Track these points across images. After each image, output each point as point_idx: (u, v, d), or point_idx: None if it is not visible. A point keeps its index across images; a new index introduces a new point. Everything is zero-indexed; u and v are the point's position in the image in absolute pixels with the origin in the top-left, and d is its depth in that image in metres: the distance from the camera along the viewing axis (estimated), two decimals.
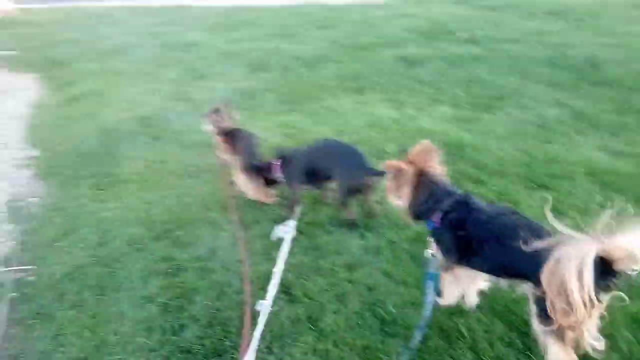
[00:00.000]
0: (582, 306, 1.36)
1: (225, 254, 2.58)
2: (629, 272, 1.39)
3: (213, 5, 9.39)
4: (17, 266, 2.85)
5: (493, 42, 5.39)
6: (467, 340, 1.87)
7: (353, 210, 2.74)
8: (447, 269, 1.92)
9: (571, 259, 1.36)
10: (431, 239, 1.96)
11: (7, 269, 2.85)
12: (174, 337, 2.06)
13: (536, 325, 1.62)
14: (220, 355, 1.96)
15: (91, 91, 5.46)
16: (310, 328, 2.03)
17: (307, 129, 3.93)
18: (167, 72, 5.81)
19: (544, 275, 1.43)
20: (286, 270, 2.38)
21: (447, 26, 5.93)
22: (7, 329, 2.39)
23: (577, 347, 1.58)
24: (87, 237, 2.92)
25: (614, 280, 1.43)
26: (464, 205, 1.82)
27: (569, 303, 1.37)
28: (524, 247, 1.48)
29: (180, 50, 6.57)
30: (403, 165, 1.92)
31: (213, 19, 8.11)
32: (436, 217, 1.86)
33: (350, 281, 2.29)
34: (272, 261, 2.43)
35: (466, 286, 1.96)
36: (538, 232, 1.56)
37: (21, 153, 4.37)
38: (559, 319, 1.44)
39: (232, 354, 1.95)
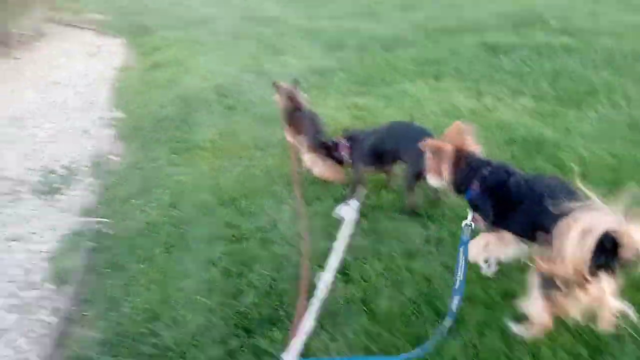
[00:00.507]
0: (571, 260, 1.41)
1: (286, 227, 2.63)
2: (627, 260, 1.44)
3: None
4: (96, 218, 3.08)
5: (588, 34, 4.99)
6: (527, 345, 1.78)
7: (416, 198, 2.68)
8: (486, 230, 1.99)
9: (586, 221, 1.41)
10: (470, 208, 2.04)
11: (87, 219, 3.09)
12: (232, 301, 2.14)
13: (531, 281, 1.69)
14: (274, 324, 2.01)
15: (173, 59, 5.69)
16: (364, 310, 2.03)
17: (379, 112, 3.87)
18: (245, 44, 5.93)
19: (558, 227, 1.46)
20: (345, 250, 2.38)
21: (538, 13, 5.54)
22: (83, 275, 2.59)
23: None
24: (160, 197, 3.08)
25: (612, 261, 1.46)
26: (501, 170, 1.93)
27: (562, 254, 1.43)
28: (555, 207, 1.53)
29: (260, 24, 6.66)
30: (442, 144, 2.01)
31: None
32: (475, 185, 1.95)
33: (408, 269, 2.24)
34: (332, 239, 2.43)
35: (497, 251, 2.00)
36: (573, 195, 1.60)
37: (106, 113, 4.68)
38: (546, 264, 1.54)
39: (286, 324, 1.99)
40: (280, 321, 2.02)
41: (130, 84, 5.24)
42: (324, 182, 3.03)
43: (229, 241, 2.59)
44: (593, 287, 1.50)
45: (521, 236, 1.86)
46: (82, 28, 7.68)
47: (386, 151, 2.72)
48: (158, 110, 4.35)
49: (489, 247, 2.00)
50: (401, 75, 4.59)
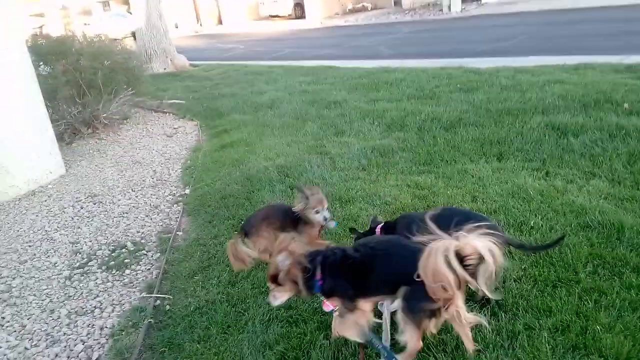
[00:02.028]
0: (453, 284, 1.78)
1: None
2: (473, 264, 1.83)
3: (358, 67, 9.89)
4: (157, 294, 3.14)
5: None
6: None
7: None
8: (351, 308, 2.11)
9: (439, 251, 1.77)
10: (325, 300, 2.23)
11: (148, 295, 3.15)
12: None
13: (400, 317, 2.00)
14: None
15: (241, 140, 6.01)
16: None
17: (440, 191, 3.80)
18: (309, 126, 6.17)
19: (421, 266, 1.82)
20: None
21: (607, 95, 5.38)
22: (140, 354, 2.60)
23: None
24: (220, 274, 3.11)
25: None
26: (335, 249, 2.19)
27: (443, 283, 1.78)
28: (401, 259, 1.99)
29: (323, 107, 6.96)
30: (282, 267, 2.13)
31: (356, 80, 8.50)
32: (318, 274, 2.11)
33: None
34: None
35: (365, 320, 2.14)
36: (412, 246, 1.98)
37: (176, 190, 4.93)
38: (438, 296, 1.83)
39: None
40: None
41: (200, 162, 5.54)
42: None
43: (286, 323, 2.52)
44: (457, 301, 1.89)
45: (384, 294, 2.15)
46: (163, 112, 8.41)
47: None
48: (223, 188, 4.53)
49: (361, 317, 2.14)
50: (462, 155, 4.53)
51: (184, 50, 15.00)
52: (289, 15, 28.55)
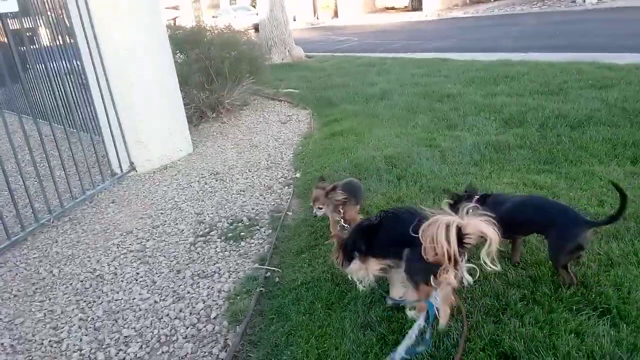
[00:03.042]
0: (445, 250, 1.96)
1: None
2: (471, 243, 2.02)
3: (475, 60, 9.47)
4: (268, 266, 3.37)
5: None
6: None
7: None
8: (363, 261, 2.50)
9: (442, 222, 1.96)
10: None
11: (260, 266, 3.39)
12: None
13: (403, 276, 2.32)
14: None
15: (350, 129, 6.12)
16: None
17: (562, 192, 3.54)
18: (419, 118, 6.09)
19: (422, 229, 2.02)
20: (513, 339, 2.16)
21: None
22: (251, 317, 2.82)
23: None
24: (326, 254, 3.24)
25: (464, 248, 2.04)
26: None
27: (436, 246, 1.98)
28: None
29: (436, 100, 6.81)
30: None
31: (473, 73, 8.17)
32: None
33: None
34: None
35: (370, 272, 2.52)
36: (420, 213, 2.27)
37: (287, 173, 5.20)
38: (429, 256, 2.03)
39: None
40: None
41: (310, 149, 5.77)
42: None
43: (388, 307, 2.57)
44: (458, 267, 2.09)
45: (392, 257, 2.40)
46: (279, 100, 8.85)
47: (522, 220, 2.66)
48: (332, 174, 4.67)
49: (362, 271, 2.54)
50: (590, 156, 4.17)
51: (301, 42, 15.54)
52: (405, 7, 28.12)
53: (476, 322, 2.35)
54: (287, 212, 4.20)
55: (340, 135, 6.01)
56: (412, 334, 2.13)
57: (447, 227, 1.95)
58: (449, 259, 1.99)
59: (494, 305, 2.46)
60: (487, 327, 2.29)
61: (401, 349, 2.08)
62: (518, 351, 2.11)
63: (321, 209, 3.26)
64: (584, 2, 18.04)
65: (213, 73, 7.52)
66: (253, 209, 4.40)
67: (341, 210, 3.24)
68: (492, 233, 1.97)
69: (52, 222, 4.58)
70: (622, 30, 11.33)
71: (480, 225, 1.98)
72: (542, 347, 2.11)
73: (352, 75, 9.91)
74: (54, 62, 6.61)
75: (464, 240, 2.01)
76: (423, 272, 2.15)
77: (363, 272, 2.53)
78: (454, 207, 2.61)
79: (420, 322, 2.17)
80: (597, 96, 5.74)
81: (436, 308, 2.19)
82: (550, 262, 2.63)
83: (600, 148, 4.28)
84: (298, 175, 5.04)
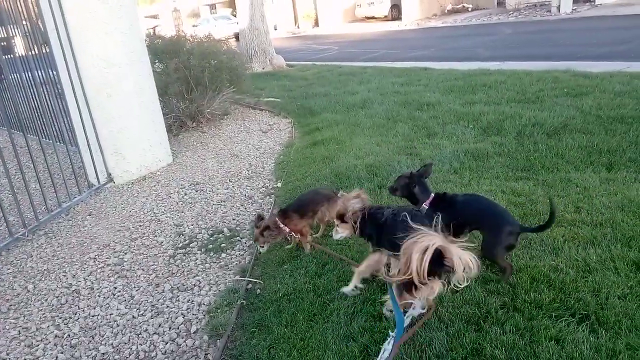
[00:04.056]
0: (415, 268, 2.03)
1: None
2: (449, 268, 2.09)
3: (453, 68, 9.61)
4: (249, 278, 3.33)
5: None
6: None
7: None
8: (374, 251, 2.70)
9: (423, 240, 2.05)
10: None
11: (241, 278, 3.35)
12: None
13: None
14: None
15: (332, 138, 6.13)
16: None
17: (539, 199, 3.60)
18: (400, 127, 6.13)
19: (404, 245, 2.11)
20: (494, 347, 2.17)
21: None
22: (232, 331, 2.78)
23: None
24: (308, 265, 3.22)
25: (442, 269, 2.11)
26: (378, 211, 2.67)
27: (407, 265, 2.08)
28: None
29: (416, 109, 6.87)
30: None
31: (452, 81, 8.28)
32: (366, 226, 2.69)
33: None
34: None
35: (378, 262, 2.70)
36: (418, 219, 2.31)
37: (269, 183, 5.17)
38: (397, 272, 2.20)
39: None
40: None
41: (291, 158, 5.75)
42: None
43: (370, 317, 2.56)
44: (430, 284, 2.15)
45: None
46: (260, 109, 8.83)
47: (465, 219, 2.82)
48: (313, 184, 4.66)
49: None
50: (566, 162, 4.25)
51: (282, 50, 15.57)
52: (385, 16, 28.45)
53: (457, 330, 2.35)
54: None
55: (321, 144, 6.01)
56: (387, 347, 2.13)
57: (425, 250, 2.02)
58: (418, 276, 2.05)
59: (475, 313, 2.47)
60: (469, 335, 2.30)
61: None
62: (499, 359, 2.12)
63: (263, 246, 3.46)
64: (559, 11, 18.51)
65: (193, 82, 7.46)
66: (234, 219, 4.35)
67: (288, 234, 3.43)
68: (474, 264, 2.07)
69: (27, 236, 4.46)
70: (596, 38, 11.64)
71: (463, 255, 2.07)
72: (523, 355, 2.12)
73: (333, 84, 9.95)
74: (28, 72, 6.49)
75: (444, 262, 2.08)
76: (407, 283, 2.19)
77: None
78: (410, 185, 2.97)
79: (392, 334, 2.19)
80: (572, 104, 5.86)
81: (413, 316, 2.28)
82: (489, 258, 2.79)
83: (576, 155, 4.37)
84: (279, 184, 5.02)
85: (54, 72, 5.42)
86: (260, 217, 3.53)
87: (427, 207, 2.92)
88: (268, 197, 4.78)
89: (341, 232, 2.82)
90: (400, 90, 8.30)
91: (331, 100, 8.36)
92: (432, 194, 2.97)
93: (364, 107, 7.56)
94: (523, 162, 4.38)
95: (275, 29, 31.05)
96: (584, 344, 2.14)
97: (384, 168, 4.72)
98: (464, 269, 2.06)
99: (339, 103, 8.08)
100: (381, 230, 2.59)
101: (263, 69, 13.46)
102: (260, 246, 3.47)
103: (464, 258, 2.06)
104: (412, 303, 2.35)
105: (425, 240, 2.05)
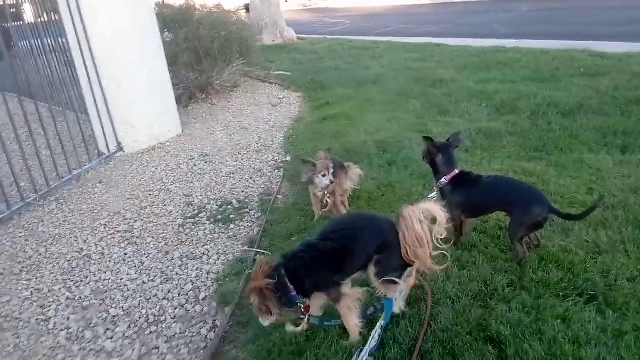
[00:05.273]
0: (426, 242, 2.08)
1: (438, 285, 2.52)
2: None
3: (468, 45, 9.43)
4: (257, 248, 3.35)
5: None
6: None
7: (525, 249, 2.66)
8: (337, 296, 2.20)
9: (414, 214, 2.08)
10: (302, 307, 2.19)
11: (249, 249, 3.38)
12: (374, 352, 2.11)
13: (374, 281, 2.20)
14: None
15: (342, 113, 6.08)
16: None
17: (551, 179, 3.56)
18: (411, 103, 6.06)
19: (400, 228, 2.10)
20: (500, 323, 2.18)
21: None
22: (240, 299, 2.81)
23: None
24: None
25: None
26: (297, 253, 2.19)
27: (420, 243, 2.08)
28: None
29: (428, 85, 6.78)
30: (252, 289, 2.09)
31: (466, 58, 8.14)
32: (290, 289, 2.12)
33: (575, 358, 1.96)
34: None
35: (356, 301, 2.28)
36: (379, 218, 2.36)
37: (277, 156, 5.15)
38: (411, 256, 2.11)
39: None
40: None
41: (301, 132, 5.72)
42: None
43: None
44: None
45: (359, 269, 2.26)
46: (269, 82, 8.75)
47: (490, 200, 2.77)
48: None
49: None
50: (580, 143, 4.19)
51: (292, 23, 15.33)
52: None
53: (463, 306, 2.36)
54: (277, 195, 4.18)
55: (331, 118, 5.96)
56: (375, 334, 2.10)
57: (418, 217, 2.08)
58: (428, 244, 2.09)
59: (481, 290, 2.48)
60: (474, 311, 2.31)
61: (364, 352, 2.00)
62: (504, 335, 2.13)
63: (325, 175, 3.28)
64: None
65: (202, 53, 7.38)
66: (242, 191, 4.36)
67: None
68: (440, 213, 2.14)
69: (38, 201, 4.51)
70: (614, 17, 11.33)
71: (431, 206, 2.14)
72: (528, 332, 2.13)
73: (344, 59, 9.82)
74: (38, 39, 6.45)
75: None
76: (399, 269, 2.18)
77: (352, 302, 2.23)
78: (432, 152, 2.85)
79: (382, 321, 2.16)
80: (588, 84, 5.75)
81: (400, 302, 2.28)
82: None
83: (590, 136, 4.31)
84: (288, 158, 5.01)
85: (63, 40, 5.37)
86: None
87: (446, 182, 2.83)
88: (277, 170, 4.78)
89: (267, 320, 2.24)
90: (413, 66, 8.18)
91: (342, 75, 8.26)
92: (456, 170, 2.85)
93: (375, 82, 7.47)
94: (536, 142, 4.33)
95: (286, 1, 30.51)
96: (590, 323, 2.15)
97: (394, 144, 4.68)
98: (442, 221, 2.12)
99: (350, 78, 7.99)
100: None
101: (273, 41, 13.28)
102: (323, 175, 3.28)
103: (434, 210, 2.12)
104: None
105: (409, 210, 2.09)
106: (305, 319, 2.18)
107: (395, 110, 5.92)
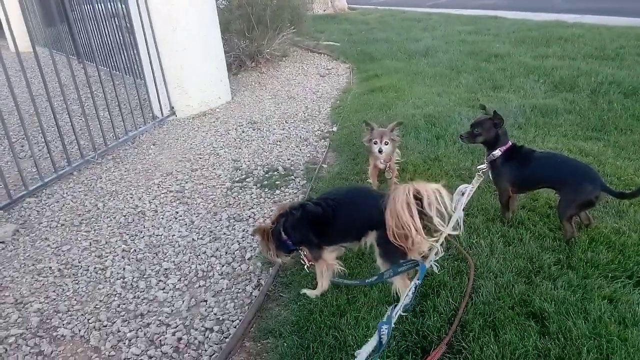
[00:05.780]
0: (412, 228, 1.95)
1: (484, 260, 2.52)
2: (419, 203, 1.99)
3: (527, 19, 9.00)
4: None
5: None
6: None
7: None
8: (317, 257, 2.39)
9: (400, 196, 1.96)
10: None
11: None
12: (415, 319, 2.15)
13: (379, 261, 2.25)
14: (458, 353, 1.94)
15: (391, 85, 6.00)
16: None
17: (608, 161, 3.42)
18: (463, 77, 5.90)
19: (387, 212, 2.01)
20: (544, 300, 2.16)
21: None
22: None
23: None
24: None
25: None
26: (294, 208, 2.37)
27: (403, 227, 1.96)
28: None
29: (483, 60, 6.56)
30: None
31: (524, 32, 7.78)
32: (283, 236, 2.38)
33: (621, 339, 1.93)
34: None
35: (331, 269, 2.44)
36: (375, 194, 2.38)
37: (324, 127, 5.18)
38: (399, 240, 2.02)
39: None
40: (459, 352, 1.95)
41: (348, 104, 5.71)
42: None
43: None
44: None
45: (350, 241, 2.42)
46: (319, 53, 8.72)
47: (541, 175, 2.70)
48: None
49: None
50: None
51: None
52: None
53: (507, 281, 2.35)
54: (322, 165, 4.23)
55: (379, 91, 5.91)
56: (409, 292, 2.06)
57: (406, 199, 1.94)
58: (415, 229, 1.96)
59: (526, 267, 2.45)
60: (518, 287, 2.30)
61: (398, 308, 1.98)
62: (548, 312, 2.11)
63: (387, 144, 3.31)
64: None
65: (254, 20, 7.43)
66: (289, 159, 4.44)
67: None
68: (435, 190, 2.00)
69: (97, 159, 4.76)
70: None
71: (428, 187, 1.99)
72: (573, 310, 2.10)
73: (395, 30, 9.61)
74: (100, 4, 6.67)
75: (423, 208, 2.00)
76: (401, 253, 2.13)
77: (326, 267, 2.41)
78: (497, 125, 2.77)
79: (416, 281, 2.09)
80: None
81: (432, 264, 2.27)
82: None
83: None
84: (335, 129, 5.03)
85: (124, 6, 5.55)
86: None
87: (500, 153, 2.77)
88: (323, 140, 4.82)
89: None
90: (467, 39, 7.92)
91: (392, 47, 8.11)
92: (510, 143, 2.79)
93: (426, 55, 7.30)
94: (595, 122, 4.14)
95: None
96: (638, 305, 2.10)
97: (443, 119, 4.60)
98: (433, 202, 1.95)
99: (400, 50, 7.84)
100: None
101: (324, 11, 13.14)
102: (385, 143, 3.30)
103: (430, 188, 1.97)
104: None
105: (400, 192, 1.96)
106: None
107: (445, 85, 5.79)
